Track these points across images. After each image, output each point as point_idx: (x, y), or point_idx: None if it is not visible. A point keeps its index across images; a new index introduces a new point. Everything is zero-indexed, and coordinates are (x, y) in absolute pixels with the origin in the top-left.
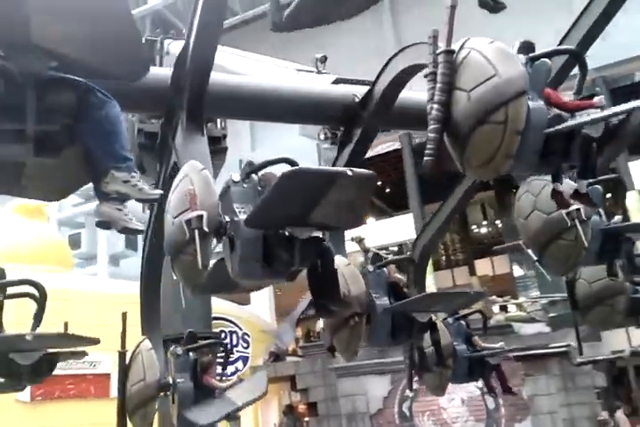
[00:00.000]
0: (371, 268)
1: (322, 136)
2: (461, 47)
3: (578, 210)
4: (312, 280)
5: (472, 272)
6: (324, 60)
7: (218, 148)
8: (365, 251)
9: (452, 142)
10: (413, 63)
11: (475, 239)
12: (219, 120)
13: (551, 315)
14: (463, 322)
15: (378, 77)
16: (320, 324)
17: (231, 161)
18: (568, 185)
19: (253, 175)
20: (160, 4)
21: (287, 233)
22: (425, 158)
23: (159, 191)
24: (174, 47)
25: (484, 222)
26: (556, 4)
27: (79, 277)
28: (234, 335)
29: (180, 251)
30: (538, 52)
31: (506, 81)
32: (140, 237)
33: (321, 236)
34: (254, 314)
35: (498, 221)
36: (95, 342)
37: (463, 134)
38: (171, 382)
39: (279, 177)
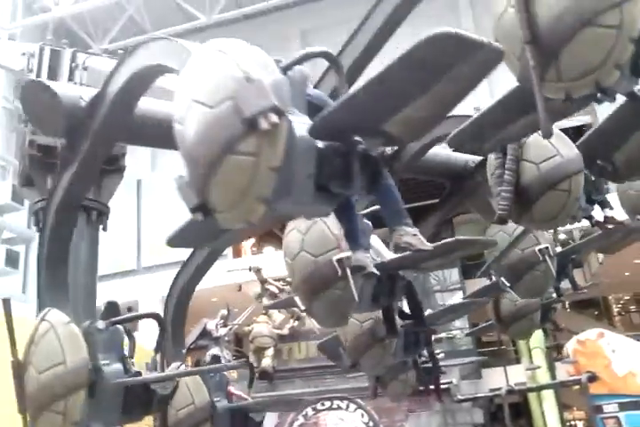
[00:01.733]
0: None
1: None
2: None
3: (547, 247)
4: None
5: None
6: None
7: (115, 167)
8: (262, 281)
9: (519, 201)
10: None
11: None
12: None
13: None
14: None
15: None
16: (211, 352)
17: (129, 181)
18: None
19: None
20: (66, 13)
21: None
22: (499, 212)
23: (431, 245)
24: (96, 63)
25: None
26: None
27: None
28: None
29: (328, 287)
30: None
31: (568, 161)
32: (22, 254)
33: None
34: (141, 342)
35: None
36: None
37: (532, 196)
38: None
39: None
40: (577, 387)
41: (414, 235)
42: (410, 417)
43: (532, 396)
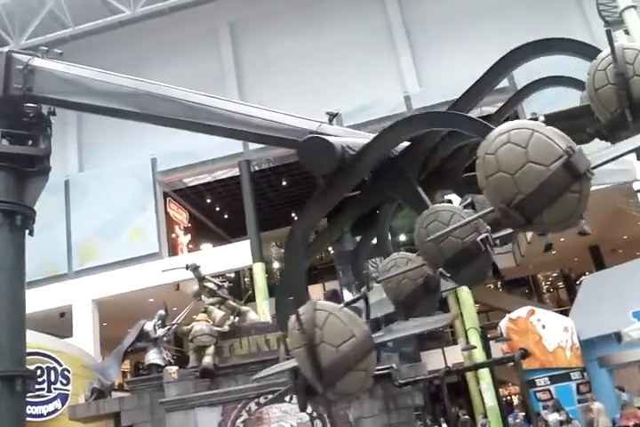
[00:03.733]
0: None
1: None
2: None
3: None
4: None
5: None
6: (334, 115)
7: (40, 168)
8: (200, 279)
9: None
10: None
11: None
12: (41, 138)
13: None
14: None
15: None
16: (149, 358)
17: (56, 181)
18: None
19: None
20: None
21: None
22: None
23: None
24: (44, 65)
25: None
26: None
27: None
28: (52, 372)
29: (473, 259)
30: None
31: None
32: None
33: None
34: (76, 347)
35: (330, 248)
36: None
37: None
38: None
39: None
40: (512, 363)
41: None
42: (353, 404)
43: (469, 375)
